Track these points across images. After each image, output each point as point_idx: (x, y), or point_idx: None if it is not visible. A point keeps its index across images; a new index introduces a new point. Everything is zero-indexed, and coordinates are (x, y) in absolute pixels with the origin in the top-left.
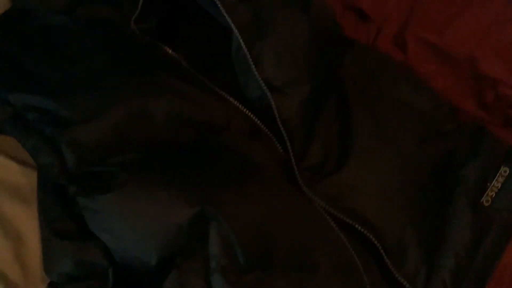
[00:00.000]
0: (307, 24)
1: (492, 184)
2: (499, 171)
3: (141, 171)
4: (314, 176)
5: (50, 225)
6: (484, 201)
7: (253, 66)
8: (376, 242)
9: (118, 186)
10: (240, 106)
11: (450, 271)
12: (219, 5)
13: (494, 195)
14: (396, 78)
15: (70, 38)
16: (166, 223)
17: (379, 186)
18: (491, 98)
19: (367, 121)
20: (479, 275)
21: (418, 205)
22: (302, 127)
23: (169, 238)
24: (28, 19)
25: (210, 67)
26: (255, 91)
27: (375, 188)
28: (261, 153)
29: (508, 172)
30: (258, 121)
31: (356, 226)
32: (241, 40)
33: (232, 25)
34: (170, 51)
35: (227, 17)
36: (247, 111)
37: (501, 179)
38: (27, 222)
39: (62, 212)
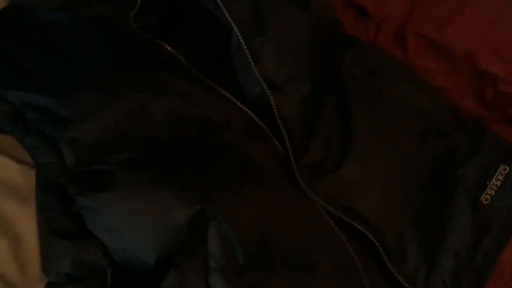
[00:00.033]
0: (307, 22)
1: (491, 182)
2: (499, 169)
3: (141, 170)
4: (313, 174)
5: (49, 225)
6: (483, 200)
7: (253, 64)
8: (375, 241)
9: (117, 185)
10: (239, 104)
11: (450, 270)
12: (218, 2)
13: (493, 193)
14: (396, 77)
15: (70, 37)
16: (165, 223)
17: (379, 185)
18: (491, 96)
19: (367, 120)
20: (478, 275)
21: (418, 204)
22: (301, 125)
23: (168, 238)
24: (27, 16)
25: (210, 65)
26: (255, 88)
27: (375, 187)
28: (261, 152)
29: (507, 170)
30: (258, 119)
31: (356, 225)
32: (240, 38)
33: (232, 22)
34: (169, 49)
35: (226, 14)
36: (247, 109)
37: (500, 177)
38: (26, 221)
39: (61, 212)
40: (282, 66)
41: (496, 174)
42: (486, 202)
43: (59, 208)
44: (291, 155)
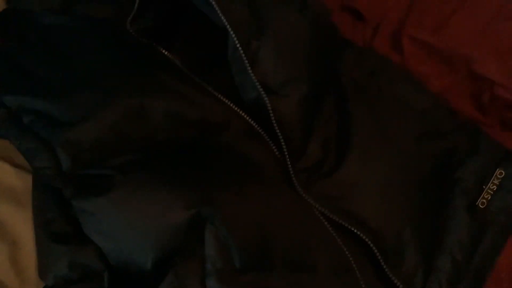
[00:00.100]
0: (304, 24)
1: (487, 186)
2: (495, 174)
3: (139, 173)
4: (310, 177)
5: (46, 228)
6: (480, 204)
7: (249, 67)
8: (372, 245)
9: (114, 188)
10: (235, 108)
11: (447, 273)
12: (214, 5)
13: (489, 197)
14: (395, 78)
15: (69, 37)
16: (164, 223)
17: (378, 186)
18: (487, 100)
19: (367, 121)
20: (476, 277)
21: (418, 205)
22: (299, 128)
23: (166, 239)
24: (26, 18)
25: (209, 66)
26: (251, 92)
27: (375, 187)
28: (260, 153)
29: (503, 174)
30: (254, 123)
31: (352, 228)
32: (236, 41)
33: (228, 26)
34: (165, 52)
35: (222, 17)
36: (243, 113)
37: (496, 182)
38: (23, 225)
39: (57, 215)
40: (280, 68)
41: (492, 178)
42: (483, 206)
43: (56, 212)
44: (287, 159)
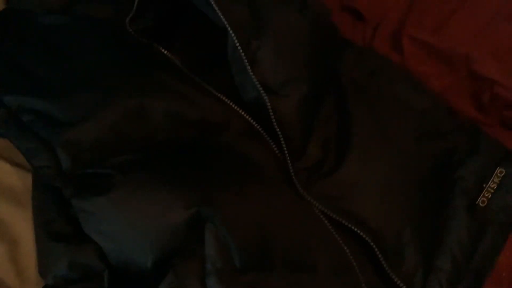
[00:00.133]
0: (304, 24)
1: (488, 185)
2: (495, 172)
3: (138, 172)
4: (310, 177)
5: (46, 227)
6: (480, 202)
7: (249, 67)
8: (373, 244)
9: (114, 187)
10: (236, 107)
11: (447, 272)
12: (213, 5)
13: (490, 196)
14: (395, 78)
15: (69, 37)
16: (163, 224)
17: (379, 186)
18: (487, 99)
19: (367, 121)
20: (476, 277)
21: (418, 205)
22: (299, 128)
23: (165, 239)
24: (25, 19)
25: (210, 67)
26: (251, 92)
27: (375, 187)
28: (260, 153)
29: (504, 173)
30: (255, 123)
31: (353, 228)
32: (236, 41)
33: (227, 26)
34: (165, 52)
35: (221, 17)
36: (243, 113)
37: (497, 180)
38: (22, 224)
39: (57, 214)
40: (279, 68)
41: (493, 177)
42: (483, 205)
43: (56, 211)
44: (287, 158)
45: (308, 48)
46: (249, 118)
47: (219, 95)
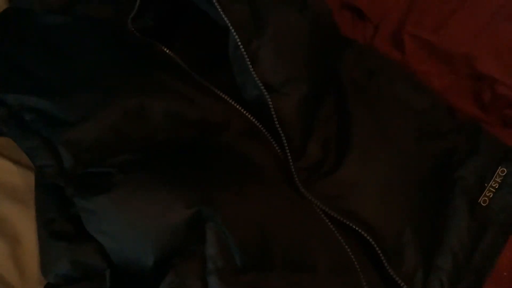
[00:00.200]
0: (305, 23)
1: (489, 184)
2: (497, 171)
3: (140, 171)
4: (311, 176)
5: (48, 226)
6: (481, 202)
7: (250, 66)
8: (373, 243)
9: (115, 187)
10: (237, 106)
11: (447, 272)
12: (215, 4)
13: (491, 195)
14: (395, 77)
15: (69, 37)
16: (164, 223)
17: (379, 186)
18: (489, 98)
19: (367, 120)
20: (477, 276)
21: (418, 204)
22: (300, 127)
23: (166, 239)
24: (27, 19)
25: (210, 65)
26: (253, 91)
27: (375, 187)
28: (260, 153)
29: (505, 172)
30: (256, 121)
31: (354, 226)
32: (238, 40)
33: (229, 24)
34: (167, 51)
35: (223, 16)
36: (245, 111)
37: (498, 179)
38: (24, 223)
39: (59, 213)
40: (280, 67)
41: (494, 176)
42: (484, 204)
43: (58, 210)
44: (289, 157)
45: (308, 48)
46: (251, 117)
47: (220, 93)
